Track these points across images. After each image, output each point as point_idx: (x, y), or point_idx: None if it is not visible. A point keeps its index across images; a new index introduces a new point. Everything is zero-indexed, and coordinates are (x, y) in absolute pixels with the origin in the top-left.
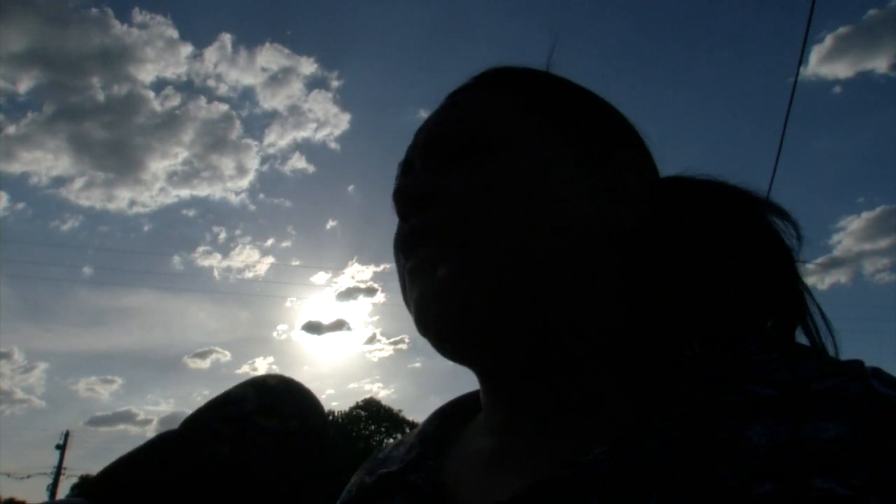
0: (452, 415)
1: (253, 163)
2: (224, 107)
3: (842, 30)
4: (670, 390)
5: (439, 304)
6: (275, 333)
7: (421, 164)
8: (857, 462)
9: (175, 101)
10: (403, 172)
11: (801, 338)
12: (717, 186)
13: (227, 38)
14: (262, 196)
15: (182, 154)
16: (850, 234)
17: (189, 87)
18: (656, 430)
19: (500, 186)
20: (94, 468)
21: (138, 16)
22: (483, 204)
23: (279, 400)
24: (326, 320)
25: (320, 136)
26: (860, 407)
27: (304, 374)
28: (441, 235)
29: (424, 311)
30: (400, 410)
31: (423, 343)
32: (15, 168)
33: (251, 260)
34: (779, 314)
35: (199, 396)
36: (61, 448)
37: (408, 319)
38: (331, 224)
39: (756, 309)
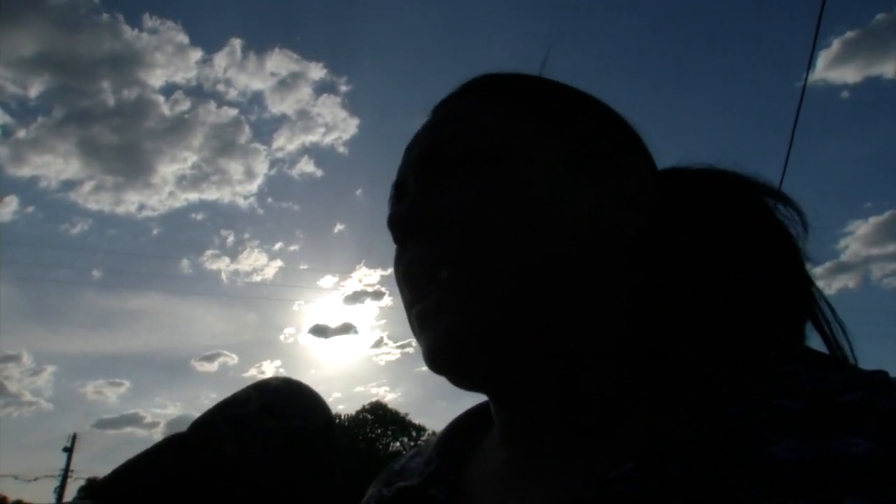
0: (470, 426)
1: (261, 167)
2: (233, 111)
3: (849, 34)
4: (693, 404)
5: (450, 322)
6: (282, 337)
7: (414, 184)
8: (885, 479)
9: (184, 105)
10: (397, 194)
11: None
12: (715, 176)
13: (236, 43)
14: (270, 200)
15: (191, 158)
16: (857, 238)
17: (198, 92)
18: (681, 447)
19: (498, 199)
20: (101, 470)
21: (149, 21)
22: (482, 221)
23: (282, 401)
24: (334, 324)
25: (329, 140)
26: (887, 421)
27: (311, 378)
28: (449, 260)
29: (436, 347)
30: (406, 414)
31: None
32: (25, 172)
33: (259, 263)
34: (786, 310)
35: (207, 399)
36: (69, 450)
37: None
38: (339, 228)
39: (763, 305)
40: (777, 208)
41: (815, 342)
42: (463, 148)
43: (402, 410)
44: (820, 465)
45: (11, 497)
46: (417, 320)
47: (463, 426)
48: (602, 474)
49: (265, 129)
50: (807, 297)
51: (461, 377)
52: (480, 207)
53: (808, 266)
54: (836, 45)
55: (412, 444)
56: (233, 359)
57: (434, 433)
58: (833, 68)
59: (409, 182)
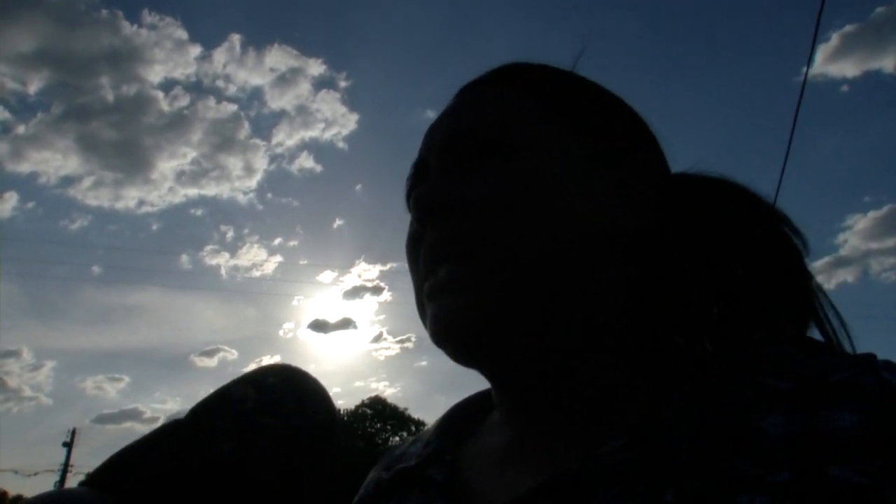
0: (468, 411)
1: (261, 162)
2: (232, 107)
3: (848, 28)
4: (685, 384)
5: (455, 301)
6: (281, 332)
7: (437, 166)
8: (872, 451)
9: (184, 101)
10: (417, 172)
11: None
12: (727, 186)
13: (235, 39)
14: (269, 195)
15: (190, 154)
16: (856, 232)
17: (198, 88)
18: (671, 422)
19: (518, 192)
20: None
21: (148, 17)
22: (503, 212)
23: (280, 398)
24: (333, 319)
25: (328, 135)
26: (873, 398)
27: (311, 373)
28: (461, 246)
29: (443, 313)
30: (406, 409)
31: (430, 342)
32: (24, 168)
33: (258, 259)
34: (789, 311)
35: (206, 395)
36: (68, 445)
37: (414, 318)
38: (338, 223)
39: (766, 306)
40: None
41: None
42: (484, 136)
43: (401, 405)
44: (807, 438)
45: (11, 492)
46: (427, 295)
47: (462, 411)
48: (592, 449)
49: (264, 125)
50: (807, 297)
51: (461, 354)
52: (499, 197)
53: (810, 268)
54: (835, 39)
55: None
56: (232, 354)
57: None
58: (832, 62)
59: (432, 163)
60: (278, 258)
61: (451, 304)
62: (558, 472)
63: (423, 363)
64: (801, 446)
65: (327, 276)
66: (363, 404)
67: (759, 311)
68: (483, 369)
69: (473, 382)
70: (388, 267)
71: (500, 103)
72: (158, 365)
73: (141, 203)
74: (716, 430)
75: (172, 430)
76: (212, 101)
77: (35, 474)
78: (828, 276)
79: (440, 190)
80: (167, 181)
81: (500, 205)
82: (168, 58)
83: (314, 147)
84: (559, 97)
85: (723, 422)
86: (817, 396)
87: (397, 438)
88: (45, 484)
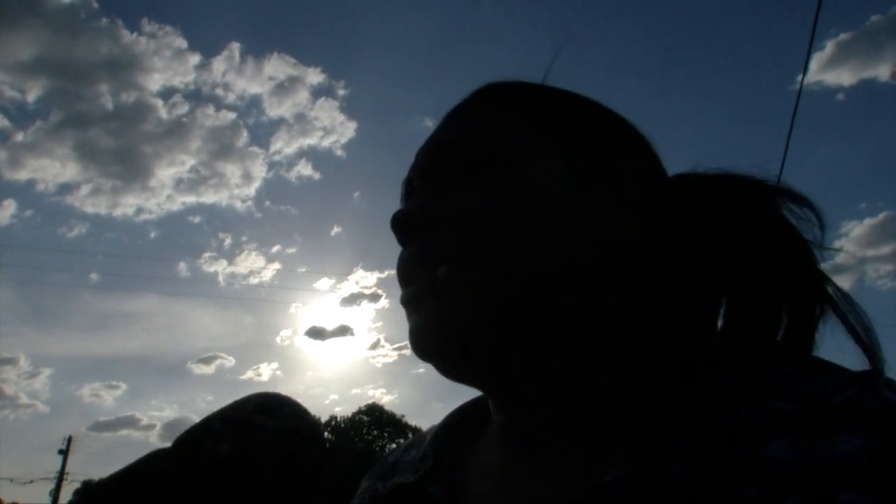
0: (465, 421)
1: (259, 170)
2: (231, 115)
3: (843, 36)
4: (687, 405)
5: (440, 317)
6: (279, 339)
7: (420, 184)
8: (878, 475)
9: (182, 109)
10: (405, 192)
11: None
12: (725, 180)
13: (235, 47)
14: (267, 203)
15: (189, 162)
16: (852, 239)
17: (196, 96)
18: (676, 448)
19: (499, 205)
20: (97, 473)
21: (147, 25)
22: (482, 225)
23: (277, 403)
24: (330, 326)
25: (326, 143)
26: (877, 419)
27: (308, 380)
28: (440, 261)
29: (423, 330)
30: (403, 416)
31: None
32: (22, 175)
33: (256, 266)
34: (796, 313)
35: (203, 402)
36: (64, 453)
37: None
38: (336, 230)
39: (771, 309)
40: (790, 209)
41: (834, 342)
42: (467, 151)
43: (398, 412)
44: (813, 462)
45: (7, 499)
46: (407, 305)
47: (458, 422)
48: (598, 477)
49: (263, 133)
50: (820, 298)
51: (445, 366)
52: (482, 210)
53: (820, 265)
54: (830, 47)
55: None
56: (229, 361)
57: None
58: (827, 71)
59: (415, 182)
60: (276, 265)
61: (434, 314)
62: (563, 501)
63: (421, 370)
64: (806, 471)
65: (325, 283)
66: (360, 411)
67: (764, 317)
68: (477, 383)
69: (471, 389)
70: (385, 274)
71: (480, 118)
72: (155, 372)
73: (139, 210)
74: (721, 454)
75: (162, 456)
76: (210, 109)
77: (31, 482)
78: None
79: (417, 209)
80: (165, 189)
81: (484, 217)
82: (167, 66)
83: (312, 155)
84: (538, 109)
85: (727, 446)
86: (821, 419)
87: (394, 445)
88: (41, 492)
